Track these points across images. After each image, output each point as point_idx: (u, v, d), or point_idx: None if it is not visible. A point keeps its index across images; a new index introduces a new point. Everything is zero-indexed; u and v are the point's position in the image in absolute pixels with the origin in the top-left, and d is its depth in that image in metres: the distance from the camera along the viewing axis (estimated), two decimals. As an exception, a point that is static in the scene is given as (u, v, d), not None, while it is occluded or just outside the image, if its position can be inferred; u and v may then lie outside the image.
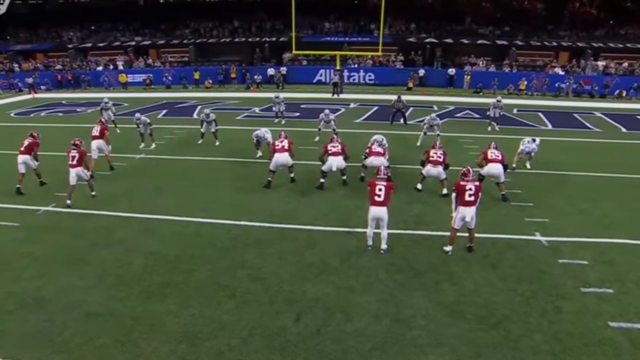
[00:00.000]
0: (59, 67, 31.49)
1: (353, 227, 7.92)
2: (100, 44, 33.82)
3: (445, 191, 9.40)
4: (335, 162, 9.60)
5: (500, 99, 16.65)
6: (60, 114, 20.45)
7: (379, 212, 6.76)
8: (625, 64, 27.56)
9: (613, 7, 32.27)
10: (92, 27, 36.06)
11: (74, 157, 9.10)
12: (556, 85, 26.01)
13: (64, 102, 24.13)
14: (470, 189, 6.71)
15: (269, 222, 8.18)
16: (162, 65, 31.95)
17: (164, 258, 6.93)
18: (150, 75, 29.76)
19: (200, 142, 14.24)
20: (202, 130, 14.30)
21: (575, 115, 19.67)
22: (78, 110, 21.45)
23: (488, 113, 16.41)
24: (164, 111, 20.49)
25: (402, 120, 16.61)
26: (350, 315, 5.57)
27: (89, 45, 33.96)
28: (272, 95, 18.30)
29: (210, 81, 28.80)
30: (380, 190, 6.72)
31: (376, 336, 5.19)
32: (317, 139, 14.15)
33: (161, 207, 8.93)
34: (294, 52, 25.17)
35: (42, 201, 9.33)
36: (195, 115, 19.17)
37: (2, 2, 30.09)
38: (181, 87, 28.64)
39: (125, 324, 5.40)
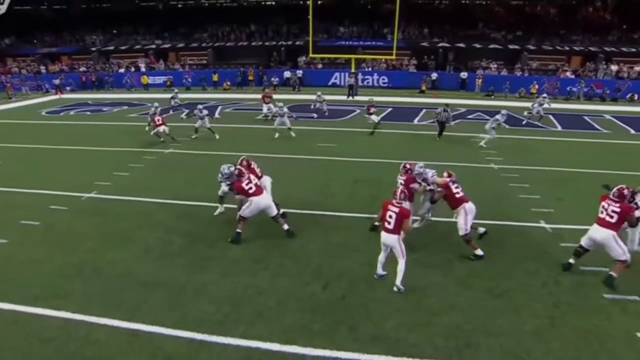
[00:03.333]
0: (83, 69, 32.79)
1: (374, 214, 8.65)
2: (122, 47, 35.09)
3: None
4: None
5: (546, 96, 18.25)
6: (89, 113, 21.52)
7: (387, 239, 6.02)
8: (638, 68, 27.85)
9: (626, 11, 32.53)
10: (114, 31, 37.42)
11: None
12: (567, 89, 26.45)
13: (89, 102, 25.29)
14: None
15: (296, 209, 8.91)
16: (182, 68, 33.06)
17: (201, 237, 7.72)
18: (171, 77, 30.90)
19: (194, 136, 15.36)
20: (196, 125, 15.42)
21: (585, 117, 20.14)
22: (104, 109, 22.52)
23: (531, 109, 18.21)
24: (186, 110, 21.39)
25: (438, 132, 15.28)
26: (372, 285, 6.29)
27: (112, 48, 35.26)
28: (289, 97, 19.21)
29: (229, 83, 29.80)
30: (390, 216, 5.95)
31: (396, 301, 5.90)
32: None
33: (194, 195, 9.74)
34: (311, 55, 25.99)
35: (85, 189, 10.19)
36: (217, 115, 20.12)
37: (2, 2, 31.19)
38: (200, 89, 29.65)
39: (173, 290, 6.18)
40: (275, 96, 20.05)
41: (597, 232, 6.21)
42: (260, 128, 17.17)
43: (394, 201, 6.03)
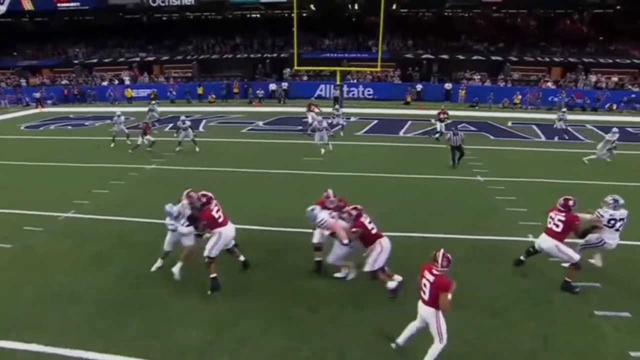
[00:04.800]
0: (65, 82, 32.21)
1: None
2: (106, 60, 34.64)
3: None
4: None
5: (565, 110, 18.26)
6: (70, 127, 21.04)
7: (423, 311, 4.84)
8: (615, 79, 28.49)
9: (601, 24, 33.36)
10: (97, 44, 36.91)
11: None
12: (549, 99, 26.88)
13: (71, 115, 24.77)
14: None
15: (279, 227, 8.67)
16: (166, 81, 32.74)
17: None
18: (155, 90, 30.54)
19: (178, 149, 15.06)
20: (180, 138, 15.09)
21: (568, 127, 20.34)
22: (86, 123, 22.06)
23: (555, 126, 17.79)
24: (170, 124, 21.09)
25: (456, 159, 13.07)
26: (361, 307, 6.08)
27: (95, 61, 34.76)
28: (275, 109, 19.08)
29: (214, 96, 29.56)
30: (425, 285, 4.77)
31: (387, 323, 5.70)
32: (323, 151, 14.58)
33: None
34: (296, 68, 25.95)
35: (62, 208, 9.81)
36: (201, 128, 19.84)
37: (2, 2, 30.64)
38: (185, 102, 29.34)
39: (153, 315, 5.90)
40: (260, 109, 19.93)
41: (543, 241, 6.53)
42: (245, 142, 16.93)
43: (433, 268, 4.72)
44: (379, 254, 6.21)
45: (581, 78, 28.90)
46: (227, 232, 6.52)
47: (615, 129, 13.85)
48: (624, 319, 5.82)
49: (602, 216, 6.54)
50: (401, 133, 18.08)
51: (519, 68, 30.62)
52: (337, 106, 19.34)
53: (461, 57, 31.34)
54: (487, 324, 5.69)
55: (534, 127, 19.90)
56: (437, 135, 16.95)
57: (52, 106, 29.26)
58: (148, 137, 15.40)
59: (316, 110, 18.54)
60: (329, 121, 18.01)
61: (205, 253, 6.40)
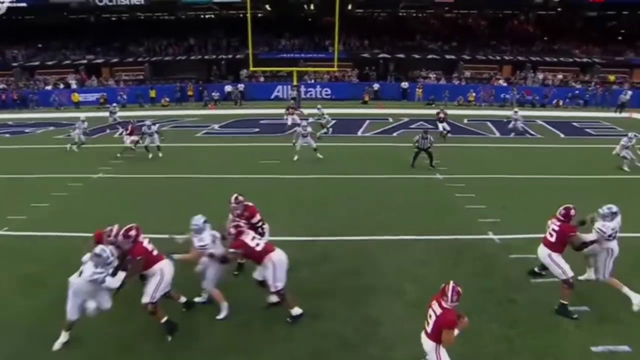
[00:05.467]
0: (2, 86, 29.98)
1: (317, 236, 8.13)
2: (49, 62, 32.53)
3: None
4: None
5: (517, 110, 18.33)
6: (8, 135, 19.48)
7: (424, 343, 4.41)
8: (560, 76, 29.83)
9: (546, 25, 34.81)
10: (40, 45, 34.64)
11: None
12: (502, 96, 27.71)
13: (10, 122, 22.98)
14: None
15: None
16: (116, 84, 31.18)
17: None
18: (104, 94, 28.99)
19: (151, 156, 14.32)
20: (145, 144, 14.34)
21: (524, 127, 20.94)
22: (26, 131, 20.52)
23: (510, 126, 17.94)
24: (121, 129, 19.96)
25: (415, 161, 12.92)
26: (320, 317, 5.74)
27: (37, 63, 32.58)
28: (231, 111, 18.50)
29: (167, 99, 28.42)
30: (430, 316, 4.36)
31: (347, 335, 5.40)
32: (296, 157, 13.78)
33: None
34: (251, 69, 25.37)
35: (-6, 225, 8.89)
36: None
37: (2, 1, 28.84)
38: (137, 106, 28.02)
39: (95, 348, 5.28)
40: (216, 111, 19.21)
41: (539, 250, 6.03)
42: (200, 147, 16.22)
43: (442, 301, 4.25)
44: (274, 271, 5.52)
45: (530, 76, 30.02)
46: (169, 269, 5.44)
47: (631, 134, 13.06)
48: (583, 313, 5.78)
49: (604, 232, 5.82)
50: (359, 133, 17.95)
51: (472, 66, 31.43)
52: (319, 106, 19.06)
53: (417, 56, 31.77)
54: (451, 329, 5.48)
55: (489, 123, 20.33)
56: (445, 134, 17.00)
57: (-12, 113, 27.13)
58: (134, 137, 14.66)
59: (297, 112, 18.20)
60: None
61: (146, 300, 5.26)
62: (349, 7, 34.94)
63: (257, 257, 5.59)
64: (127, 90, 29.27)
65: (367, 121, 20.38)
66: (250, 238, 5.63)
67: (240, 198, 6.49)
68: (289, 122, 17.84)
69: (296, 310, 5.67)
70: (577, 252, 5.92)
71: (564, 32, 33.69)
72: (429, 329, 4.35)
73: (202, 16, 39.58)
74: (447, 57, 31.83)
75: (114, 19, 38.38)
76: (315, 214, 9.26)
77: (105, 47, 34.56)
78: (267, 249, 5.60)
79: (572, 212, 5.78)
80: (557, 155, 14.91)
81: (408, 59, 31.56)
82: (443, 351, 4.29)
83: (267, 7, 35.82)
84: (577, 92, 27.91)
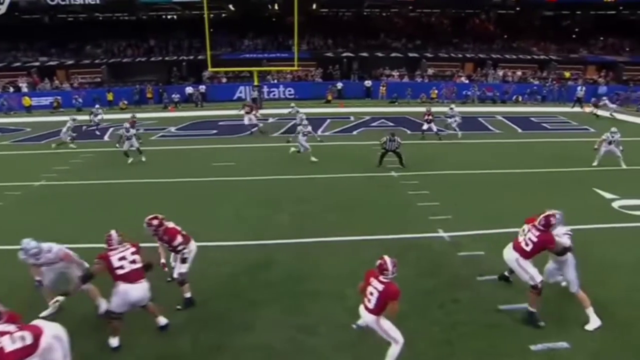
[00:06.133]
0: (-56, 91, 28.23)
1: (262, 240, 7.77)
2: (-3, 65, 30.84)
3: None
4: None
5: (454, 107, 17.79)
6: (-54, 143, 18.22)
7: (366, 317, 4.62)
8: (519, 73, 30.46)
9: (506, 23, 35.51)
10: (-13, 47, 32.84)
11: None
12: (463, 93, 28.02)
13: (-49, 129, 21.58)
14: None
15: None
16: (72, 87, 29.84)
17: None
18: (58, 97, 27.67)
19: (130, 161, 13.52)
20: (124, 148, 13.61)
21: (480, 119, 21.20)
22: (-32, 137, 19.28)
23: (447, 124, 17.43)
24: (73, 134, 19.00)
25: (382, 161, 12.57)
26: (251, 327, 5.39)
27: (-17, 66, 30.85)
28: (192, 113, 17.93)
29: (125, 102, 27.35)
30: (371, 294, 4.52)
31: (275, 346, 5.08)
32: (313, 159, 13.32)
33: (64, 236, 8.09)
34: (210, 69, 24.78)
35: None
36: (106, 138, 18.09)
37: (1, 2, 27.59)
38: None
39: None
40: (175, 114, 18.52)
41: (506, 252, 5.62)
42: (154, 150, 15.54)
43: (381, 276, 4.48)
44: (118, 299, 4.92)
45: (490, 73, 30.50)
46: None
47: (613, 129, 12.53)
48: (524, 311, 5.62)
49: (564, 235, 5.57)
50: (319, 132, 17.60)
51: (435, 64, 31.65)
52: (292, 104, 19.17)
53: (380, 54, 31.78)
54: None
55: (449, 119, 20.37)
56: (441, 133, 16.71)
57: None
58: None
59: (254, 111, 17.82)
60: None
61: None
62: (314, 6, 34.72)
63: (114, 278, 4.93)
64: (83, 94, 27.98)
65: (328, 120, 20.13)
66: (118, 257, 4.93)
67: (155, 222, 5.64)
68: (246, 122, 17.33)
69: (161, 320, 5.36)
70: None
71: (522, 31, 34.41)
72: (370, 305, 4.50)
73: (163, 17, 38.47)
74: (411, 55, 31.97)
75: (70, 19, 36.83)
76: (263, 217, 8.88)
77: (60, 48, 33.04)
78: (127, 278, 4.90)
79: (553, 220, 5.29)
80: (514, 150, 15.03)
81: (372, 57, 31.52)
82: (384, 320, 4.51)
83: (231, 7, 35.17)
84: (535, 88, 28.55)
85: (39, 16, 35.92)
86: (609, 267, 6.79)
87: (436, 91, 27.83)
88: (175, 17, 38.64)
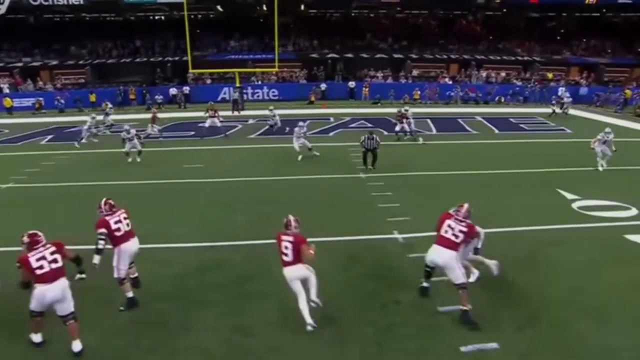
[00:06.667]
0: None
1: (217, 242, 7.77)
2: (-22, 66, 30.63)
3: None
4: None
5: (408, 108, 17.51)
6: None
7: (289, 272, 5.31)
8: (503, 74, 30.65)
9: (492, 24, 35.70)
10: (-31, 48, 32.59)
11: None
12: (447, 93, 28.15)
13: None
14: None
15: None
16: (55, 88, 29.69)
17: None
18: (41, 98, 27.53)
19: (130, 160, 13.58)
20: (126, 149, 13.60)
21: (459, 120, 21.29)
22: (-55, 139, 19.13)
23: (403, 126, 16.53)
24: (50, 137, 18.96)
25: (370, 163, 12.38)
26: (190, 329, 5.40)
27: (-36, 67, 30.63)
28: (174, 115, 17.95)
29: (108, 103, 27.17)
30: (286, 248, 5.28)
31: (209, 346, 5.10)
32: (299, 157, 13.66)
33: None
34: (191, 70, 24.77)
35: None
36: (84, 140, 18.00)
37: (1, 2, 27.48)
38: (76, 111, 26.72)
39: None
40: (158, 115, 18.47)
41: (438, 254, 5.60)
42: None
43: (288, 231, 5.38)
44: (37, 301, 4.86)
45: (474, 73, 30.67)
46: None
47: (608, 129, 12.38)
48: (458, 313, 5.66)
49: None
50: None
51: (420, 65, 31.78)
52: (271, 107, 18.91)
53: (365, 55, 31.86)
54: (319, 337, 5.21)
55: (428, 120, 20.48)
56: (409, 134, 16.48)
57: None
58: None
59: (218, 113, 17.89)
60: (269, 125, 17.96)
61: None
62: (302, 7, 34.74)
63: (33, 280, 4.82)
64: (65, 95, 27.85)
65: (308, 121, 20.05)
66: (36, 258, 4.81)
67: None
68: (207, 124, 17.47)
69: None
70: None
71: (508, 32, 34.62)
72: (289, 259, 5.32)
73: (151, 17, 38.33)
74: (396, 56, 32.08)
75: (57, 19, 36.59)
76: (222, 219, 8.90)
77: (44, 49, 32.85)
78: (45, 278, 4.79)
79: (471, 209, 5.68)
80: (487, 151, 15.11)
81: (357, 58, 31.59)
82: (306, 265, 5.39)
83: (219, 7, 35.06)
84: (517, 89, 28.73)
85: (23, 16, 35.70)
86: (557, 268, 6.85)
87: (419, 92, 27.92)
88: (162, 17, 38.52)
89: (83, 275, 5.52)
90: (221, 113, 19.87)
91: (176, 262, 7.07)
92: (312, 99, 27.51)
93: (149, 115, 23.43)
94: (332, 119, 21.13)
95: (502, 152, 14.96)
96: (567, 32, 34.92)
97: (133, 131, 13.85)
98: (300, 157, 13.60)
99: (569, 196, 10.15)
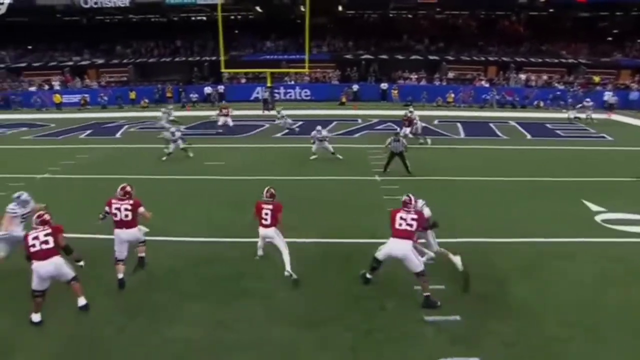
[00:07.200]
0: (-14, 87, 30.41)
1: (215, 237, 7.96)
2: (36, 64, 32.84)
3: None
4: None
5: (412, 110, 17.11)
6: (-25, 136, 19.69)
7: (266, 232, 6.58)
8: (545, 77, 29.29)
9: (536, 26, 34.18)
10: (29, 47, 35.01)
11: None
12: (482, 97, 27.29)
13: (-16, 123, 23.24)
14: None
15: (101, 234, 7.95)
16: (99, 86, 31.40)
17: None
18: (86, 95, 29.24)
19: (164, 158, 13.98)
20: (170, 150, 14.04)
21: (491, 124, 20.60)
22: (-3, 131, 20.72)
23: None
24: (89, 131, 20.06)
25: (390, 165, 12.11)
26: (177, 320, 5.58)
27: (24, 65, 32.94)
28: (205, 113, 18.59)
29: (147, 101, 28.51)
30: (266, 214, 6.49)
31: (195, 339, 5.25)
32: (313, 157, 13.81)
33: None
34: (223, 69, 25.44)
35: None
36: (118, 135, 18.99)
37: (2, 2, 29.21)
38: (117, 107, 28.15)
39: None
40: (190, 113, 19.20)
41: (397, 247, 5.88)
42: (156, 148, 16.06)
43: (267, 201, 6.60)
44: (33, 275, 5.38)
45: (513, 76, 29.52)
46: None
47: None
48: (452, 322, 5.52)
49: (425, 207, 6.69)
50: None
51: (455, 67, 31.04)
52: (279, 109, 19.46)
53: (400, 56, 31.45)
54: (302, 338, 5.24)
55: (458, 124, 19.97)
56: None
57: (-30, 113, 27.46)
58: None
59: (230, 112, 18.49)
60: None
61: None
62: (340, 8, 34.78)
63: (28, 256, 5.42)
64: (109, 92, 29.41)
65: (335, 122, 20.16)
66: (32, 237, 5.39)
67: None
68: (220, 123, 18.13)
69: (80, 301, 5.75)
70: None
71: (553, 33, 33.10)
72: (267, 222, 6.51)
73: (192, 18, 39.67)
74: (431, 57, 31.46)
75: (107, 20, 38.62)
76: (230, 216, 9.04)
77: (93, 48, 34.81)
78: (36, 256, 5.33)
79: (414, 199, 6.22)
80: (515, 157, 14.53)
81: (391, 59, 31.27)
82: (278, 231, 6.57)
83: (258, 8, 35.71)
84: (558, 93, 27.37)
85: (77, 18, 37.92)
86: (561, 282, 6.51)
87: (453, 95, 27.22)
88: (204, 18, 39.73)
89: (81, 263, 5.90)
90: (248, 113, 20.33)
91: (175, 256, 7.31)
92: (343, 100, 27.50)
93: (182, 113, 24.38)
94: (359, 120, 21.05)
95: (530, 158, 14.34)
96: (621, 32, 32.85)
97: (179, 133, 14.36)
98: (313, 157, 13.66)
99: (594, 208, 9.58)
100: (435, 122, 20.90)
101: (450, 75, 30.44)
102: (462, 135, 18.11)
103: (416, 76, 30.25)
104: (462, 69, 31.21)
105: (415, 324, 5.54)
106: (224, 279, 6.60)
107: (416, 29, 35.62)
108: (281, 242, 6.55)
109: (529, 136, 17.94)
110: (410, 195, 6.20)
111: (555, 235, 8.11)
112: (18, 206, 6.60)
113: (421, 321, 5.58)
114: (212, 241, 7.87)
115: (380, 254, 6.13)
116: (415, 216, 5.94)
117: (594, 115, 21.39)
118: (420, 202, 6.57)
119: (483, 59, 31.58)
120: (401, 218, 5.94)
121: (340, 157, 13.74)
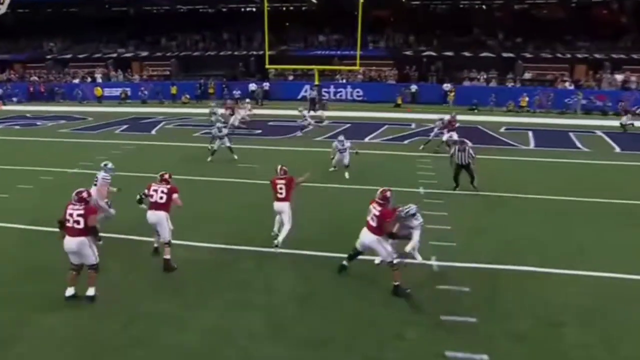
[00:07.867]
0: (34, 78, 33.33)
1: (237, 245, 8.26)
2: (80, 55, 35.57)
3: None
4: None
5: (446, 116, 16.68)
6: (18, 127, 21.67)
7: (281, 206, 7.99)
8: (649, 78, 27.25)
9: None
10: (75, 38, 37.89)
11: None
12: (565, 100, 25.90)
13: (28, 115, 25.52)
14: None
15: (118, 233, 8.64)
16: (141, 79, 33.36)
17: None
18: (127, 89, 31.21)
19: (209, 159, 14.60)
20: (215, 147, 14.66)
21: (571, 133, 19.57)
22: (38, 123, 22.66)
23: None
24: (125, 126, 21.44)
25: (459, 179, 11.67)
26: (178, 326, 5.93)
27: (69, 56, 35.80)
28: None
29: (188, 96, 29.93)
30: (281, 188, 7.94)
31: (190, 348, 5.53)
32: (331, 169, 13.49)
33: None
34: (267, 66, 26.15)
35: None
36: (153, 132, 20.11)
37: (2, 2, 32.29)
38: (157, 103, 29.79)
39: None
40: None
41: (364, 236, 6.80)
42: (187, 147, 16.90)
43: (280, 176, 8.08)
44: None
45: (606, 77, 27.77)
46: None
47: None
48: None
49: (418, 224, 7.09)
50: (367, 139, 17.72)
51: (533, 66, 29.74)
52: (300, 108, 19.92)
53: (467, 54, 30.68)
54: (297, 357, 5.39)
55: (529, 133, 19.18)
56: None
57: (16, 104, 30.28)
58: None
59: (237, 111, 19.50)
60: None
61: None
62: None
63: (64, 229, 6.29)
64: (150, 86, 31.18)
65: (385, 126, 20.10)
66: (68, 212, 6.26)
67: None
68: (236, 123, 19.18)
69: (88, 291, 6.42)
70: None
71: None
72: (282, 196, 7.96)
73: (242, 9, 41.06)
74: (505, 55, 30.41)
75: (155, 11, 40.90)
76: (255, 222, 9.37)
77: (138, 40, 37.12)
78: (68, 231, 6.22)
79: (389, 193, 6.74)
80: (595, 174, 13.68)
81: (457, 57, 30.60)
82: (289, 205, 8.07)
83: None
84: (664, 98, 25.36)
85: (125, 8, 40.59)
86: (612, 329, 6.07)
87: (527, 98, 26.07)
88: (254, 9, 41.04)
89: (100, 242, 6.97)
90: (291, 113, 20.57)
91: (185, 261, 7.68)
92: (399, 101, 27.28)
93: (221, 111, 25.30)
94: (413, 125, 20.82)
95: (613, 176, 13.45)
96: None
97: (225, 130, 15.00)
98: (332, 169, 13.26)
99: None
100: (502, 129, 20.22)
101: (527, 75, 29.19)
102: (532, 145, 17.37)
103: (485, 76, 29.30)
104: (541, 68, 29.86)
105: (434, 358, 5.45)
106: (230, 288, 6.89)
107: (489, 21, 34.52)
108: (287, 217, 7.92)
109: (617, 149, 16.87)
110: (387, 190, 6.77)
111: (626, 272, 7.59)
112: (108, 173, 8.49)
113: (441, 356, 5.48)
114: (227, 248, 8.18)
115: (357, 242, 7.00)
116: (377, 213, 6.62)
117: None
118: (414, 209, 7.01)
119: (569, 56, 30.00)
120: (370, 210, 6.80)
121: (347, 176, 12.82)
